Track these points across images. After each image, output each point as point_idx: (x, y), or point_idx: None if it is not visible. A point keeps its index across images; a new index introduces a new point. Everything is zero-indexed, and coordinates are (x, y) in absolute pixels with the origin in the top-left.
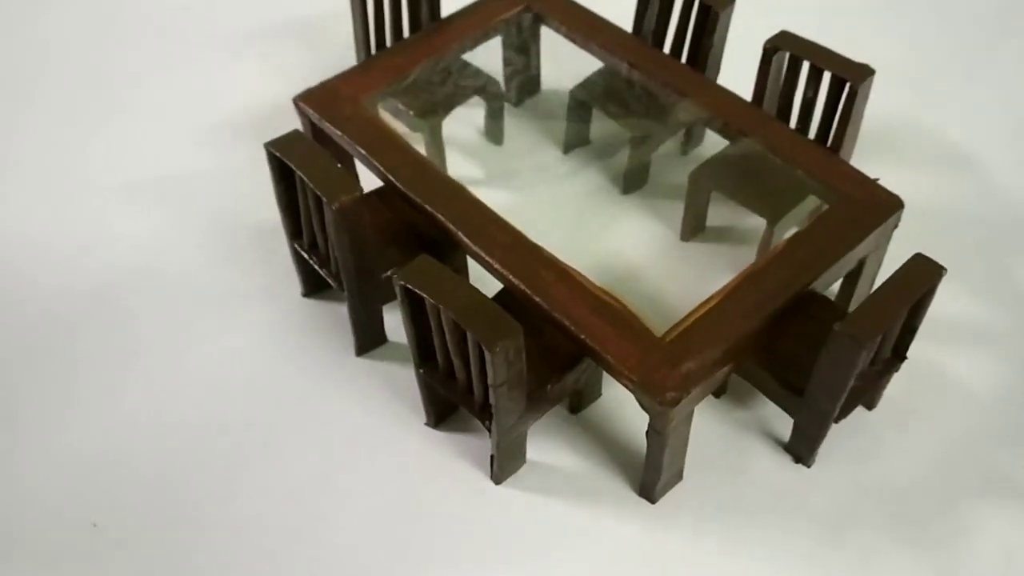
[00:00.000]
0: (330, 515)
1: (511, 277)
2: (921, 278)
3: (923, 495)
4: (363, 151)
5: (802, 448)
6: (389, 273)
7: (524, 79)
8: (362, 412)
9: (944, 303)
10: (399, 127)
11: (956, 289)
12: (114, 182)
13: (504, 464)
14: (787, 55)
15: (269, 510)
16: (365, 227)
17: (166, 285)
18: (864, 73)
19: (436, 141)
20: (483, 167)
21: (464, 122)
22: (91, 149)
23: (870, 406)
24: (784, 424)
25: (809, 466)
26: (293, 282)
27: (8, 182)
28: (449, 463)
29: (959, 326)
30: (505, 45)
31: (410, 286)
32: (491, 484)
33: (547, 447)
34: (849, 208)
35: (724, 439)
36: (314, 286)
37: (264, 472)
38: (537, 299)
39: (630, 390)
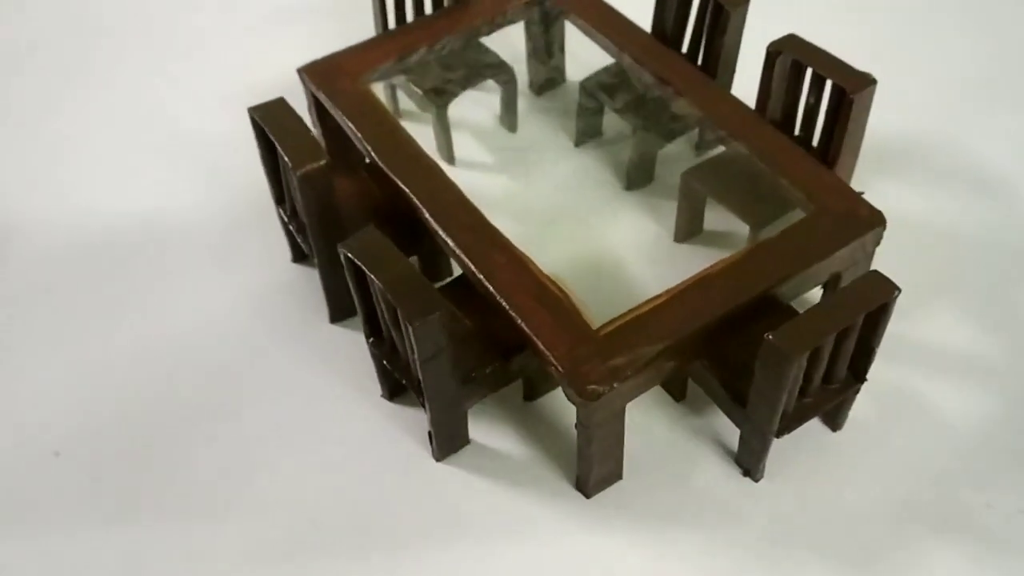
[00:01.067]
0: (276, 466)
1: (463, 257)
2: (870, 296)
3: (871, 524)
4: (350, 124)
5: (749, 461)
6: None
7: (547, 69)
8: (325, 376)
9: (935, 330)
10: (410, 106)
11: (950, 316)
12: (141, 142)
13: (442, 442)
14: (790, 59)
15: (220, 454)
16: (332, 196)
17: (168, 239)
18: (862, 83)
19: (442, 122)
20: (491, 152)
21: (482, 106)
22: (125, 110)
23: (834, 427)
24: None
25: (756, 480)
26: (287, 247)
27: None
28: (397, 436)
29: (948, 355)
30: (528, 34)
31: (351, 256)
32: (432, 461)
33: (495, 431)
34: (823, 219)
35: (674, 444)
36: (301, 252)
37: (221, 419)
38: (484, 281)
39: (557, 380)
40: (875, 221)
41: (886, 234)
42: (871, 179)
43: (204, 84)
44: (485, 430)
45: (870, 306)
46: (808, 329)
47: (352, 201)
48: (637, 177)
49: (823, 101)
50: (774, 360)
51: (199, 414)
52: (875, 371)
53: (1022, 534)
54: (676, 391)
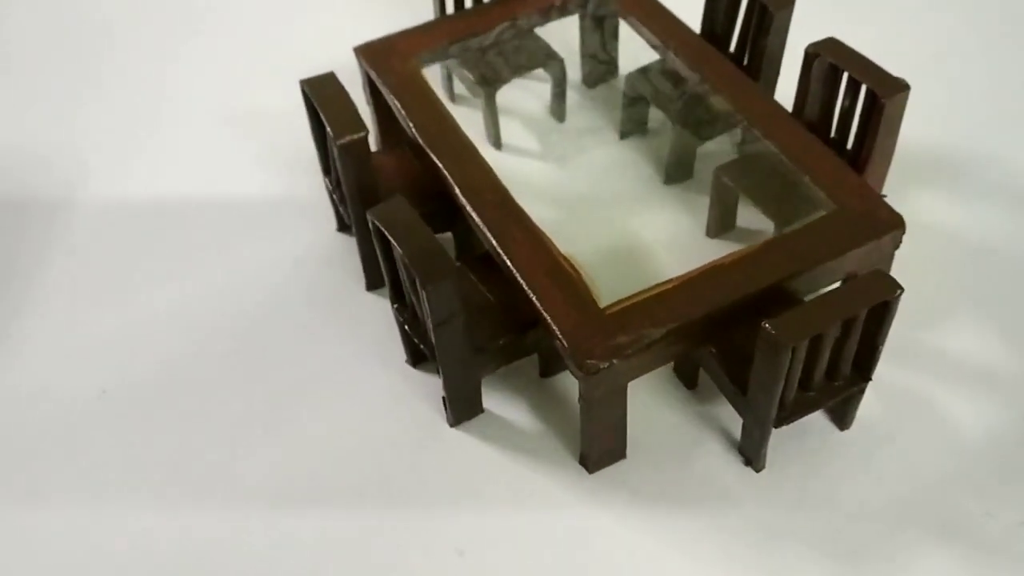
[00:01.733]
0: (299, 418)
1: (486, 231)
2: (871, 292)
3: (867, 523)
4: (397, 104)
5: (750, 450)
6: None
7: (599, 62)
8: (354, 340)
9: (954, 339)
10: (464, 90)
11: (971, 327)
12: (205, 109)
13: (456, 409)
14: (827, 62)
15: (248, 404)
16: (369, 167)
17: (225, 205)
18: (895, 88)
19: (491, 108)
20: (538, 139)
21: (535, 95)
22: (197, 83)
23: (842, 425)
24: None
25: (758, 470)
26: (333, 217)
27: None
28: (417, 400)
29: (964, 364)
30: (581, 27)
31: (376, 222)
32: (447, 426)
33: (509, 403)
34: (841, 219)
35: (680, 429)
36: (344, 222)
37: (252, 368)
38: (503, 256)
39: (562, 354)
40: (894, 224)
41: (915, 240)
42: (907, 186)
43: (271, 60)
44: (500, 401)
45: (870, 302)
46: (804, 320)
47: (395, 176)
48: (676, 172)
49: (858, 105)
50: (769, 348)
51: (235, 365)
52: (889, 374)
53: (1018, 546)
54: (687, 378)
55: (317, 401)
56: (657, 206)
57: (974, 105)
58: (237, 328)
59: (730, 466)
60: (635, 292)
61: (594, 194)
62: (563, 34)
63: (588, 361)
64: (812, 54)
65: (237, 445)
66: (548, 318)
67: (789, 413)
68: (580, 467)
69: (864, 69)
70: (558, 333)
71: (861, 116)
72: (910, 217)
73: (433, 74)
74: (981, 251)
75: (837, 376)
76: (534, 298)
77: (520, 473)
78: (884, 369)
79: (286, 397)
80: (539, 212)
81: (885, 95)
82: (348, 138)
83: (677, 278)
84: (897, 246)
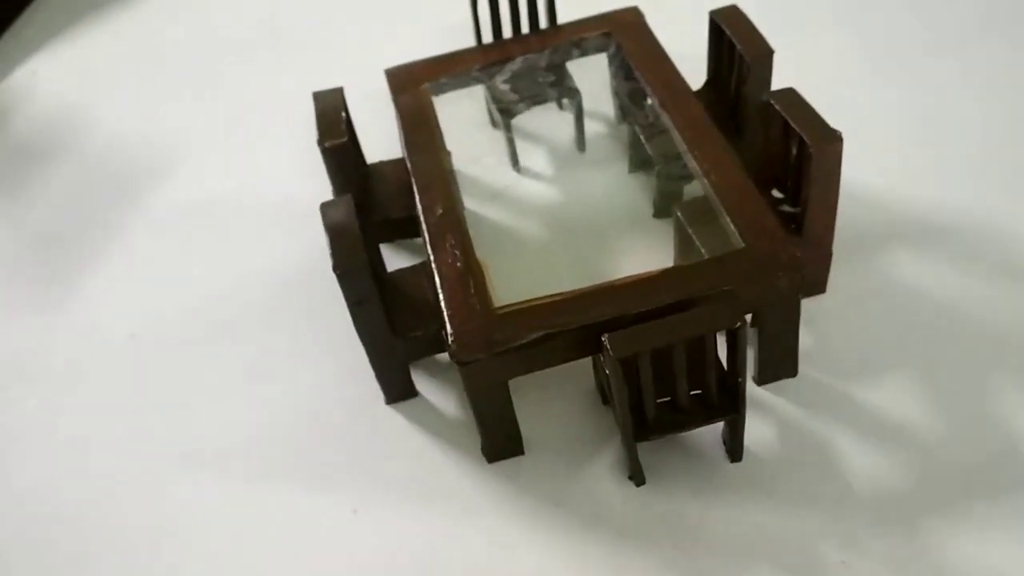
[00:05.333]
0: (254, 392)
1: (426, 234)
2: (713, 319)
3: (719, 555)
4: (400, 123)
5: (629, 465)
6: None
7: (622, 99)
8: (327, 318)
9: (880, 394)
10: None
11: (903, 386)
12: (275, 125)
13: (387, 388)
14: (779, 113)
15: (220, 367)
16: (353, 172)
17: (259, 205)
18: (826, 139)
19: (508, 132)
20: (554, 166)
21: (566, 125)
22: (263, 96)
23: (732, 457)
24: None
25: (637, 485)
26: None
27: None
28: (365, 374)
29: (876, 416)
30: (610, 63)
31: (322, 214)
32: (383, 404)
33: (443, 393)
34: (741, 256)
35: (585, 437)
36: None
37: (239, 340)
38: (430, 256)
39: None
40: (792, 267)
41: (869, 294)
42: (877, 243)
43: (323, 76)
44: (435, 388)
45: (710, 328)
46: (642, 336)
47: (394, 182)
48: (663, 207)
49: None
50: (608, 360)
51: (230, 332)
52: (799, 416)
53: None
54: (603, 394)
55: (274, 370)
56: (638, 235)
57: (961, 167)
58: (236, 303)
59: (615, 476)
60: (532, 297)
61: (587, 218)
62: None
63: (460, 353)
64: (766, 103)
65: (187, 410)
66: (444, 311)
67: (650, 430)
68: (482, 456)
69: (803, 119)
70: (447, 325)
71: (801, 166)
72: (862, 271)
73: (474, 99)
74: (933, 312)
75: (707, 403)
76: (440, 293)
77: (428, 453)
78: (797, 413)
79: (254, 364)
80: (529, 228)
81: (814, 144)
82: (331, 142)
83: (571, 291)
84: (797, 290)
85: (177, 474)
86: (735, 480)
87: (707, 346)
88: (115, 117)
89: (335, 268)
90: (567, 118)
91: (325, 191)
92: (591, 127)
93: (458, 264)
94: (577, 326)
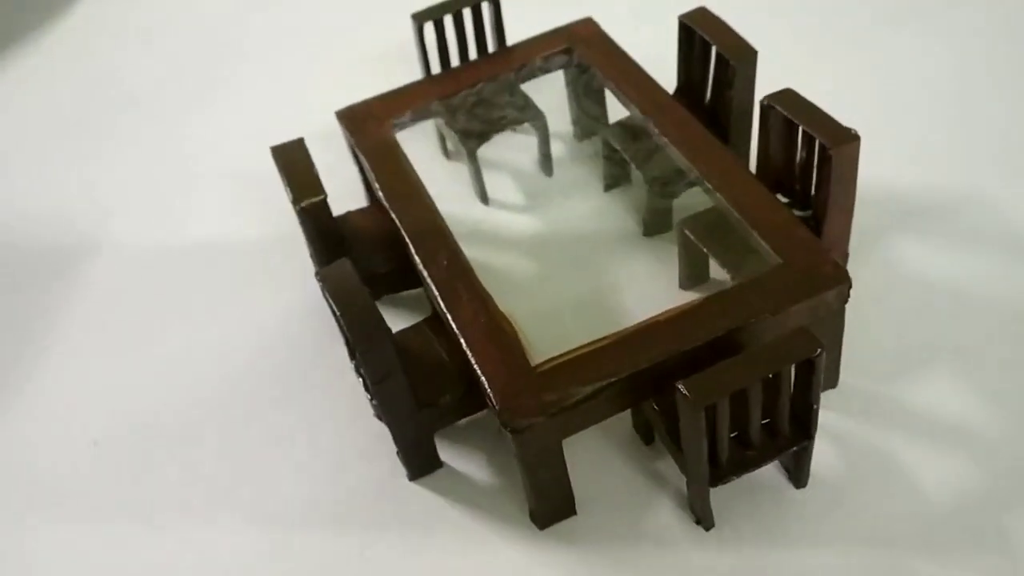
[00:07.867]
0: (271, 470)
1: (434, 290)
2: (791, 351)
3: None
4: (368, 165)
5: (697, 509)
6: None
7: (588, 116)
8: (330, 397)
9: (928, 395)
10: (450, 147)
11: (947, 383)
12: (220, 173)
13: (411, 463)
14: (782, 115)
15: (223, 456)
16: (329, 230)
17: (229, 259)
18: (843, 139)
19: (474, 164)
20: (525, 193)
21: (526, 150)
22: (207, 145)
23: (797, 483)
24: None
25: (707, 529)
26: None
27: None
28: (382, 453)
29: (937, 422)
30: (567, 80)
31: (321, 285)
32: (406, 480)
33: (469, 458)
34: (784, 274)
35: (635, 486)
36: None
37: (234, 423)
38: (446, 314)
39: (493, 412)
40: (839, 279)
41: (894, 294)
42: (888, 236)
43: (283, 121)
44: (460, 455)
45: (789, 361)
46: (719, 379)
47: (371, 234)
48: (653, 224)
49: (815, 156)
50: (685, 409)
51: (217, 415)
52: (853, 429)
53: None
54: (644, 434)
55: (291, 451)
56: (634, 258)
57: (961, 153)
58: (223, 379)
59: (681, 524)
60: (568, 349)
61: (575, 246)
62: (553, 88)
63: (516, 420)
64: (767, 107)
65: (201, 503)
66: (481, 376)
67: (726, 472)
68: (531, 524)
69: (814, 120)
70: (488, 391)
71: (816, 168)
72: (879, 268)
73: (426, 133)
74: (957, 301)
75: (778, 434)
76: (470, 356)
77: (474, 527)
78: (848, 424)
79: (260, 445)
80: (518, 265)
81: (833, 146)
82: (307, 202)
83: (612, 335)
84: (844, 302)
85: None
86: (807, 508)
87: (782, 379)
88: (19, 190)
89: (357, 344)
90: (525, 142)
91: (274, 242)
92: (551, 149)
93: (482, 319)
94: (629, 373)
